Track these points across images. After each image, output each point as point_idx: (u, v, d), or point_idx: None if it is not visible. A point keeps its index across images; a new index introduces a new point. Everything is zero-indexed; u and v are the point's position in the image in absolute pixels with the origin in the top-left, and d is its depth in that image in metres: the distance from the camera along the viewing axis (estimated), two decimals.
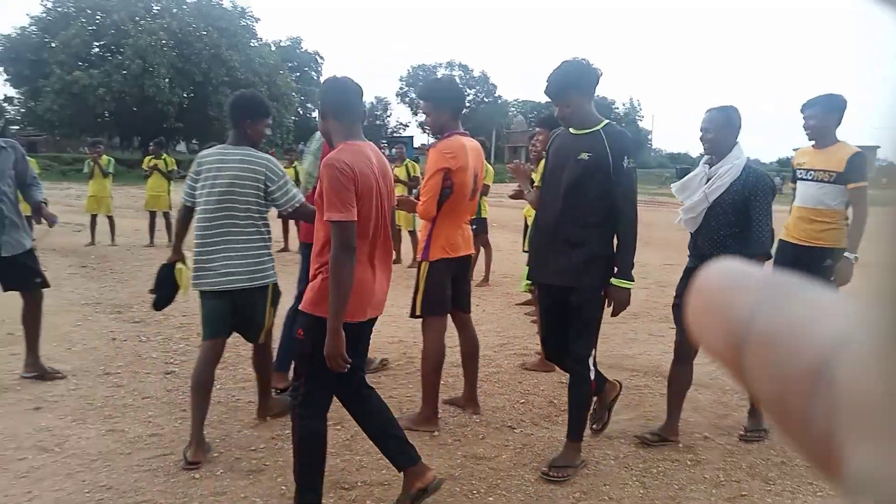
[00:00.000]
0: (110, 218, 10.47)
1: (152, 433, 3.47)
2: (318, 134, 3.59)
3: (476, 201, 3.64)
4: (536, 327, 5.58)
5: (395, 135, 63.27)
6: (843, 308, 0.20)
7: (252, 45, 40.95)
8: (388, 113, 68.54)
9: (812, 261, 3.68)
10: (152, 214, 10.60)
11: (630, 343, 5.25)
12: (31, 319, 4.25)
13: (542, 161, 5.13)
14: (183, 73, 35.97)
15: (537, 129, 4.78)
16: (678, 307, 3.42)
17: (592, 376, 3.10)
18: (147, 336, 5.26)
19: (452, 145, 3.34)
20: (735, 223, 3.21)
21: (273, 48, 48.37)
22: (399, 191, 9.72)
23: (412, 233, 9.75)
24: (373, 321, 2.69)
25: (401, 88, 64.81)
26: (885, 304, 0.17)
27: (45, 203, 4.27)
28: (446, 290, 3.46)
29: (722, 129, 3.29)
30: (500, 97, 65.22)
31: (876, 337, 0.17)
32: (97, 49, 37.00)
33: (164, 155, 10.81)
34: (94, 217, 10.38)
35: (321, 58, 60.73)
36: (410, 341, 5.14)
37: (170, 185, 10.69)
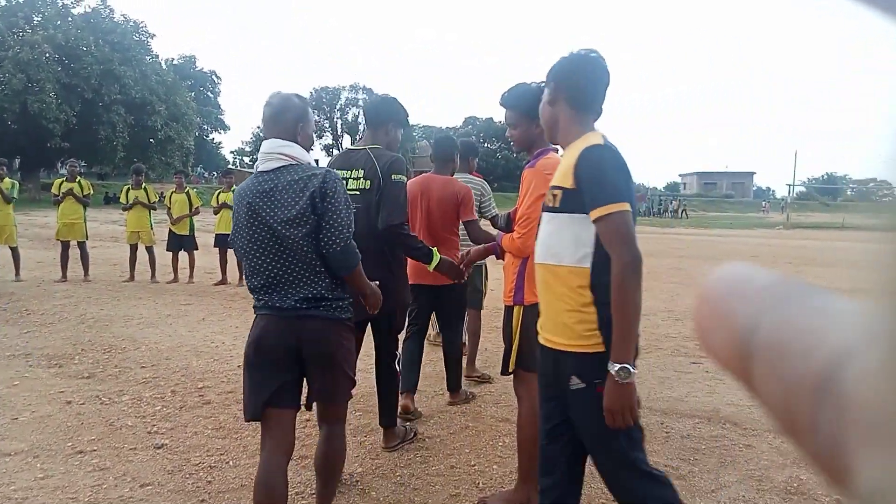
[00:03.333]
0: (14, 249, 9.13)
1: None
2: None
3: None
4: None
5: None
6: (852, 314, 0.19)
7: (147, 61, 38.59)
8: None
9: (558, 376, 2.07)
10: (65, 245, 9.31)
11: (666, 383, 4.85)
12: None
13: None
14: (70, 89, 33.25)
15: None
16: None
17: None
18: (109, 397, 4.31)
19: (553, 165, 2.79)
20: None
21: (165, 66, 45.87)
22: None
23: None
24: None
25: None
26: (892, 310, 0.17)
27: None
28: None
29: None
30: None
31: (885, 344, 0.17)
32: None
33: (80, 178, 9.57)
34: None
35: (218, 77, 58.39)
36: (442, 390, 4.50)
37: (85, 212, 9.46)
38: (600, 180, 1.93)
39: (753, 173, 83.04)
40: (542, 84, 2.86)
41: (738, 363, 0.22)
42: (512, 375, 2.91)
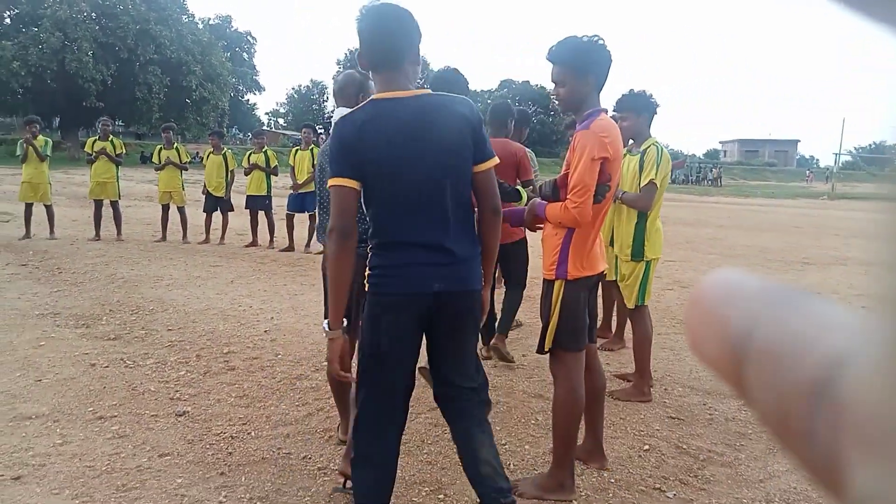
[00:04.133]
0: (48, 207, 9.16)
1: None
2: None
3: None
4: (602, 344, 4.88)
5: (331, 120, 61.27)
6: (848, 320, 0.19)
7: (183, 20, 38.52)
8: (325, 97, 66.34)
9: None
10: (98, 204, 9.32)
11: None
12: None
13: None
14: (107, 48, 33.44)
15: (620, 113, 4.00)
16: None
17: None
18: (133, 360, 4.24)
19: (608, 128, 2.55)
20: None
21: (201, 26, 45.77)
22: None
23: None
24: None
25: (338, 72, 62.78)
26: (890, 314, 0.17)
27: None
28: (584, 317, 2.69)
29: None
30: None
31: (882, 350, 0.17)
32: (8, 20, 33.99)
33: (112, 137, 9.52)
34: (29, 206, 9.04)
35: (253, 38, 58.22)
36: None
37: (118, 171, 9.43)
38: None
39: (798, 141, 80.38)
40: (595, 38, 2.61)
41: (731, 368, 0.21)
42: (548, 354, 2.71)
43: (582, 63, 2.57)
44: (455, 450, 3.07)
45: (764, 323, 0.20)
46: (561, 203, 2.56)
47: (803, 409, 0.18)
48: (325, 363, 4.24)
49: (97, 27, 33.31)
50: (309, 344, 4.68)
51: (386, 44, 2.02)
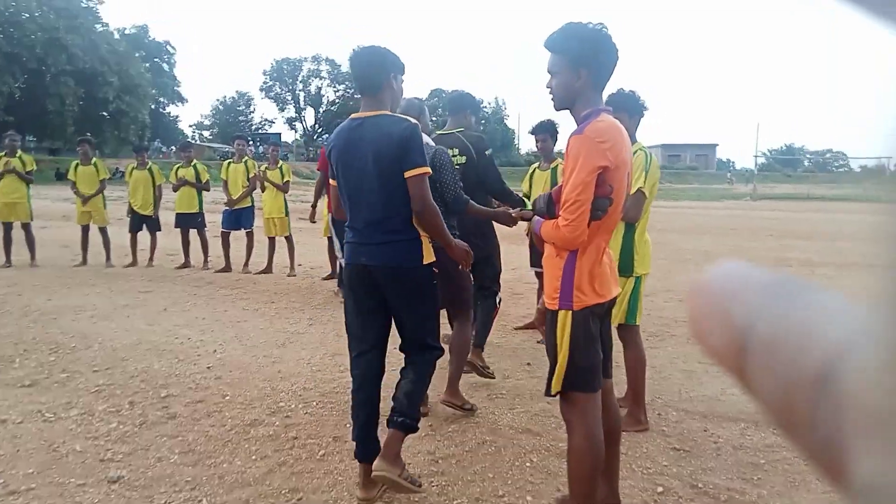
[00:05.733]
0: None
1: None
2: None
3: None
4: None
5: (259, 132, 59.70)
6: (850, 311, 0.19)
7: (97, 29, 36.62)
8: (252, 108, 64.65)
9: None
10: (7, 227, 8.45)
11: (695, 378, 4.33)
12: None
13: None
14: (12, 58, 31.36)
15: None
16: None
17: None
18: (54, 411, 3.63)
19: (608, 131, 2.19)
20: None
21: (118, 36, 43.72)
22: (273, 198, 8.27)
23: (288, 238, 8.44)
24: None
25: (265, 83, 61.29)
26: (890, 308, 0.17)
27: None
28: (598, 351, 2.32)
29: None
30: None
31: (882, 341, 0.17)
32: None
33: (21, 153, 8.64)
34: None
35: (172, 48, 56.16)
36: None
37: (29, 190, 8.57)
38: None
39: (716, 145, 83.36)
40: (600, 26, 2.27)
41: (734, 359, 0.21)
42: (557, 397, 2.33)
43: (578, 53, 2.22)
44: (463, 478, 2.67)
45: (767, 314, 0.20)
46: (553, 220, 2.22)
47: (806, 400, 0.18)
48: (281, 405, 3.77)
49: (1, 36, 31.19)
50: (260, 381, 4.17)
51: (361, 79, 2.68)
